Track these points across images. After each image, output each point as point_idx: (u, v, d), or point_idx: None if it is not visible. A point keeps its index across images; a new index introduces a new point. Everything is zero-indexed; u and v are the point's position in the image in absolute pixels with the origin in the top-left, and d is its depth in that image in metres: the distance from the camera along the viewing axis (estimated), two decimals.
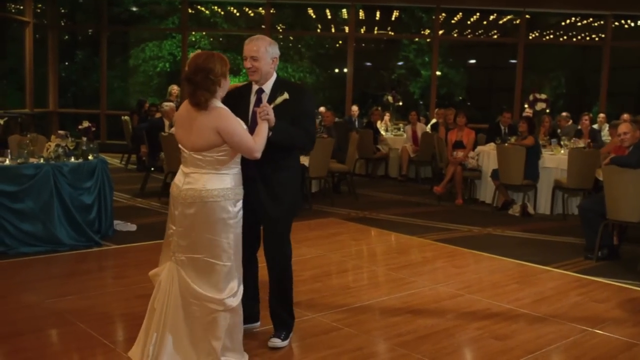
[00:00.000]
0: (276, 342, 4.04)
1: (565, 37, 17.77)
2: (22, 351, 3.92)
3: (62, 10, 17.40)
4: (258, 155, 3.57)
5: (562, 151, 9.45)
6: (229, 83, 3.63)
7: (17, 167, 6.27)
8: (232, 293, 3.57)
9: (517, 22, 16.20)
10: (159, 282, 3.66)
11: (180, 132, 3.60)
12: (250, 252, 4.06)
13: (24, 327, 4.30)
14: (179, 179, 3.62)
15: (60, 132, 6.97)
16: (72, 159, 6.64)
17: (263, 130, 3.62)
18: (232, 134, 3.45)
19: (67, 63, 18.32)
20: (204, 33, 18.34)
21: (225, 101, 3.89)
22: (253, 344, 4.05)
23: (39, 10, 15.35)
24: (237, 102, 3.96)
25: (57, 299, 4.87)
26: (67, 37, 18.60)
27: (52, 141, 6.66)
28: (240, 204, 3.63)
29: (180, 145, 3.64)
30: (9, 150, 6.61)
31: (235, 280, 3.60)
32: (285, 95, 3.79)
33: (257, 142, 3.55)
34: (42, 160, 6.46)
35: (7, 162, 6.36)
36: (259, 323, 4.33)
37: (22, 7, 14.25)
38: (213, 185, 3.51)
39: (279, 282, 4.08)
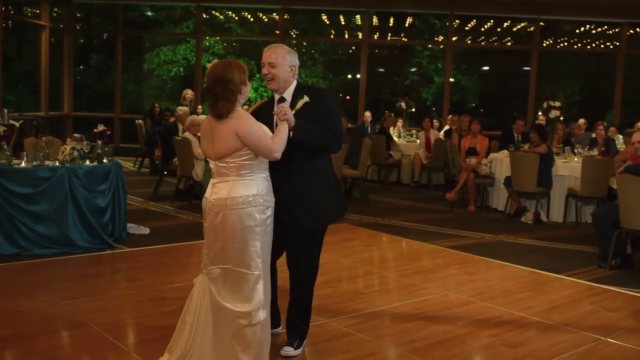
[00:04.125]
0: (289, 350, 4.02)
1: (579, 45, 17.70)
2: (36, 352, 3.95)
3: (78, 15, 17.55)
4: (278, 155, 3.53)
5: (576, 159, 9.41)
6: (250, 88, 3.63)
7: (33, 170, 6.32)
8: (261, 304, 3.51)
9: (531, 29, 16.17)
10: (191, 294, 3.62)
11: (205, 143, 3.60)
12: (272, 261, 4.05)
13: (38, 328, 4.33)
14: (208, 191, 3.61)
15: (76, 135, 7.03)
16: (87, 162, 6.69)
17: (283, 130, 3.60)
18: (250, 134, 3.43)
19: (82, 67, 18.47)
20: (218, 38, 18.43)
21: (254, 115, 3.95)
22: (273, 345, 4.05)
23: (55, 14, 15.49)
24: (263, 118, 3.88)
25: (71, 301, 4.90)
26: (82, 41, 18.75)
27: (68, 144, 6.71)
28: (270, 212, 3.58)
29: (207, 159, 3.65)
30: (24, 153, 6.68)
31: (262, 291, 3.54)
32: (306, 99, 3.79)
33: (275, 142, 3.52)
34: (57, 163, 6.51)
35: (23, 164, 6.43)
36: (279, 329, 4.28)
37: (38, 11, 14.39)
38: (237, 192, 3.47)
39: (301, 293, 4.04)
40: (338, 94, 19.65)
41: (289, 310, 4.10)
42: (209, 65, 3.65)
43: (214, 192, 3.53)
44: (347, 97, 18.89)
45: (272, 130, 3.76)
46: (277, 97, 3.97)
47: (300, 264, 3.99)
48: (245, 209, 3.47)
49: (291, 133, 3.67)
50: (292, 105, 3.84)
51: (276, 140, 3.54)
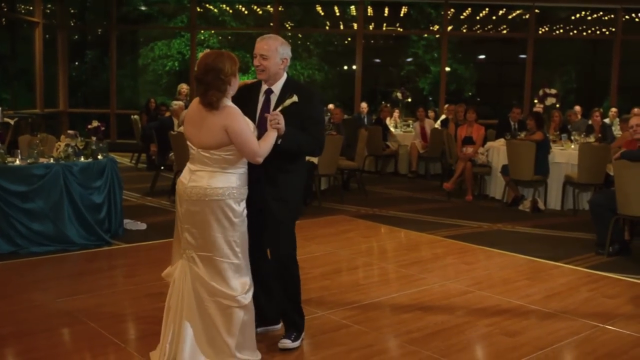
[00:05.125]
0: (287, 343, 4.02)
1: (575, 32, 17.67)
2: (34, 350, 3.94)
3: (72, 11, 17.47)
4: (260, 160, 3.56)
5: (573, 146, 9.40)
6: (239, 81, 3.63)
7: (27, 167, 6.30)
8: (245, 290, 3.59)
9: (527, 16, 16.12)
10: (173, 280, 3.68)
11: (190, 129, 3.60)
12: (262, 253, 4.05)
13: (35, 326, 4.32)
14: (185, 176, 3.63)
15: (70, 131, 7.00)
16: (82, 159, 6.66)
17: (271, 137, 3.63)
18: (239, 134, 3.45)
19: (77, 63, 18.40)
20: (212, 31, 18.37)
21: (234, 97, 3.89)
22: (263, 345, 4.05)
23: (48, 11, 15.43)
24: (246, 99, 3.95)
25: (68, 298, 4.89)
26: (76, 37, 18.67)
27: (62, 141, 6.68)
28: (244, 204, 3.64)
29: (188, 143, 3.64)
30: (19, 151, 6.65)
31: (246, 277, 3.63)
32: (295, 98, 3.78)
33: (261, 147, 3.55)
34: (52, 160, 6.48)
35: (18, 162, 6.40)
36: (280, 325, 4.27)
37: (31, 8, 14.32)
38: (218, 183, 3.52)
39: (286, 283, 4.04)
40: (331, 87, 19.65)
41: (280, 302, 4.11)
42: (200, 54, 3.64)
43: (193, 180, 3.55)
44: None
45: (253, 118, 3.84)
46: (264, 87, 3.96)
47: (279, 255, 4.00)
48: (225, 200, 3.52)
49: (279, 140, 3.69)
50: (280, 101, 3.83)
51: (262, 145, 3.56)
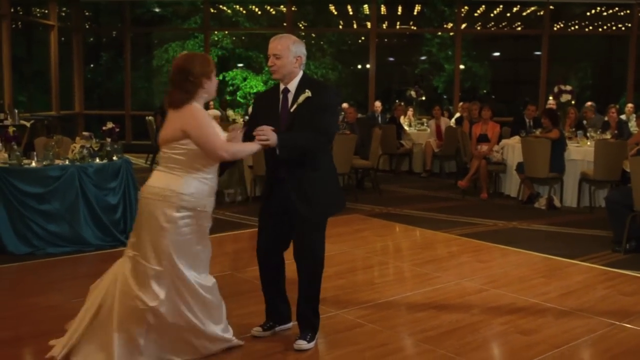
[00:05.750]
0: (302, 344, 4.01)
1: (590, 28, 17.52)
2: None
3: (86, 13, 17.60)
4: (224, 155, 3.48)
5: (589, 143, 9.32)
6: (216, 83, 3.61)
7: (43, 169, 6.35)
8: (158, 302, 3.49)
9: (541, 13, 16.02)
10: (109, 272, 3.74)
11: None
12: (277, 254, 4.06)
13: (51, 327, 4.34)
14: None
15: (85, 133, 7.06)
16: (97, 160, 6.71)
17: (250, 147, 3.62)
18: (197, 127, 3.41)
19: (92, 65, 18.53)
20: (225, 32, 18.41)
21: (255, 105, 3.98)
22: (278, 344, 4.06)
23: (63, 14, 15.55)
24: (267, 105, 3.97)
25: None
26: (91, 39, 18.81)
27: (77, 143, 6.74)
28: (186, 213, 3.48)
29: None
30: (35, 153, 6.71)
31: (162, 287, 3.50)
32: (308, 93, 3.79)
33: (231, 145, 3.51)
34: (67, 162, 6.53)
35: (34, 164, 6.45)
36: (291, 324, 4.27)
37: (46, 11, 14.43)
38: (156, 182, 3.48)
39: (309, 285, 4.02)
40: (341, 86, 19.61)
41: (299, 303, 4.09)
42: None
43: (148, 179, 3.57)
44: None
45: (274, 118, 3.81)
46: (282, 87, 3.95)
47: (304, 256, 3.98)
48: (155, 200, 3.44)
49: (277, 151, 3.66)
50: (296, 98, 3.83)
51: (234, 145, 3.54)
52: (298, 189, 3.86)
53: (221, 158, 3.50)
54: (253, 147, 3.60)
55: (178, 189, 3.44)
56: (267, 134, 3.60)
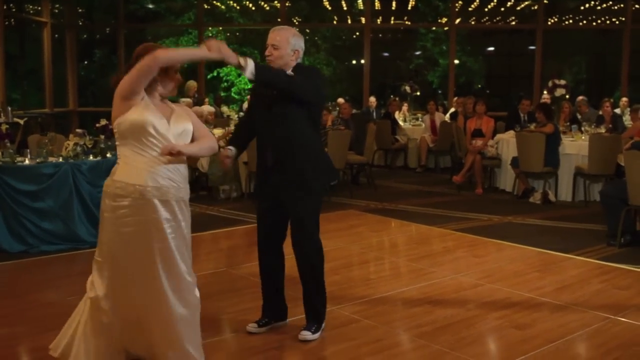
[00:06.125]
0: (306, 335, 4.04)
1: (584, 22, 17.54)
2: (45, 349, 3.94)
3: (80, 10, 17.52)
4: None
5: (583, 137, 9.33)
6: (175, 82, 3.57)
7: (37, 167, 6.34)
8: (90, 285, 3.35)
9: (535, 7, 16.00)
10: None
11: None
12: (275, 244, 4.08)
13: (47, 324, 4.33)
14: None
15: (78, 130, 7.04)
16: (91, 157, 6.69)
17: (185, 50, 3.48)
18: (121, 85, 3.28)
19: (85, 62, 18.48)
20: (220, 28, 18.38)
21: (252, 96, 4.14)
22: (276, 337, 4.06)
23: (56, 11, 15.47)
24: (260, 95, 4.01)
25: (79, 296, 4.82)
26: (85, 36, 18.76)
27: (71, 140, 6.72)
28: (123, 202, 3.23)
29: None
30: (28, 150, 6.70)
31: (96, 276, 3.32)
32: (290, 73, 3.84)
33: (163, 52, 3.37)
34: (61, 159, 6.52)
35: (27, 161, 6.44)
36: (287, 321, 4.29)
37: (39, 8, 14.35)
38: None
39: (310, 271, 4.05)
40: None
41: (304, 294, 4.12)
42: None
43: None
44: None
45: (267, 106, 3.87)
46: None
47: (300, 244, 4.00)
48: (101, 190, 3.34)
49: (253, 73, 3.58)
50: None
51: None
52: (284, 174, 3.90)
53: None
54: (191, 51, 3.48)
55: (116, 177, 3.37)
56: (221, 47, 3.50)
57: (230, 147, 4.06)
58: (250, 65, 3.53)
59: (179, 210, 3.27)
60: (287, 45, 3.85)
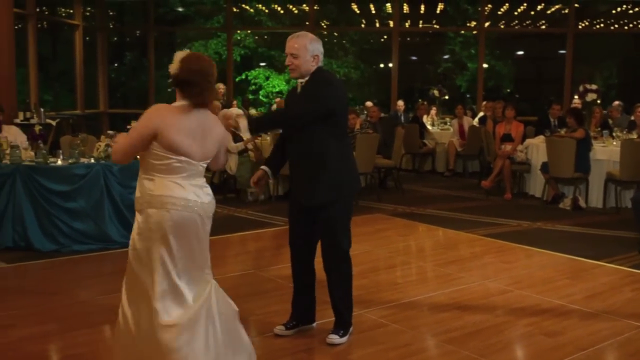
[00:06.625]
0: (334, 338, 4.05)
1: (616, 26, 17.29)
2: (76, 346, 4.02)
3: (111, 13, 17.74)
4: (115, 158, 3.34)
5: (614, 143, 9.21)
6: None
7: (69, 167, 6.43)
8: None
9: (566, 11, 15.84)
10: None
11: (189, 141, 3.12)
12: (306, 249, 4.10)
13: (78, 322, 4.40)
14: (194, 193, 3.16)
15: (110, 132, 7.12)
16: None
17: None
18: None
19: (116, 64, 18.69)
20: (248, 31, 18.47)
21: (285, 103, 4.20)
22: (302, 340, 4.07)
23: (88, 14, 15.69)
24: (290, 102, 4.13)
25: (109, 296, 4.96)
26: (115, 39, 18.97)
27: (102, 141, 6.80)
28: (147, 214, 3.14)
29: (183, 157, 3.12)
30: (60, 151, 6.79)
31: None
32: (303, 82, 3.93)
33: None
34: (92, 160, 6.60)
35: (59, 162, 6.54)
36: (314, 324, 4.31)
37: (71, 11, 14.57)
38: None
39: (338, 277, 4.07)
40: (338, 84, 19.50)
41: (331, 299, 4.13)
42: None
43: (207, 194, 3.22)
44: None
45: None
46: (299, 86, 4.03)
47: (329, 251, 4.02)
48: (133, 191, 3.36)
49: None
50: None
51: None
52: (307, 179, 3.94)
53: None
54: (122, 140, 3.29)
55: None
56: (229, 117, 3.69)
57: (265, 167, 4.14)
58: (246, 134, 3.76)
59: None
60: (306, 52, 3.88)
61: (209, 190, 3.23)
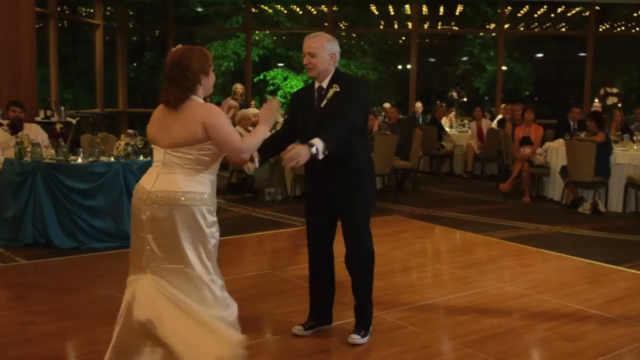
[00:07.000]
0: (355, 338, 4.07)
1: (637, 29, 17.12)
2: (95, 344, 4.04)
3: (131, 13, 17.85)
4: (244, 156, 3.29)
5: (635, 147, 9.12)
6: (213, 79, 3.34)
7: (89, 166, 6.48)
8: (224, 305, 3.20)
9: (587, 13, 15.72)
10: (133, 294, 3.29)
11: (156, 128, 3.26)
12: (324, 248, 4.11)
13: (97, 320, 4.42)
14: (146, 180, 3.22)
15: (130, 131, 7.16)
16: (141, 157, 6.81)
17: (259, 132, 3.35)
18: (219, 129, 3.13)
19: (135, 64, 18.79)
20: (267, 32, 18.50)
21: (292, 104, 4.10)
22: (322, 340, 4.07)
23: (108, 13, 15.80)
24: (303, 104, 4.09)
25: None
26: (135, 38, 19.07)
27: (122, 140, 6.84)
28: (215, 216, 3.24)
29: (152, 145, 3.32)
30: (81, 149, 6.85)
31: (221, 294, 3.21)
32: (336, 88, 3.88)
33: (246, 142, 3.23)
34: (112, 159, 6.65)
35: (79, 160, 6.59)
36: (332, 325, 4.31)
37: (92, 11, 14.68)
38: (191, 187, 3.14)
39: (361, 278, 4.09)
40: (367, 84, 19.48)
41: (355, 298, 4.15)
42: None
43: (158, 184, 3.15)
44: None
45: (310, 117, 3.91)
46: (316, 85, 4.03)
47: (354, 253, 4.04)
48: (198, 206, 3.13)
49: (320, 156, 3.61)
50: (325, 94, 3.93)
51: (247, 141, 3.25)
52: (337, 182, 3.95)
53: (242, 160, 3.35)
54: (260, 134, 3.34)
55: (208, 191, 3.19)
56: (298, 159, 3.52)
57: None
58: (320, 147, 3.58)
59: None
60: (323, 50, 3.92)
61: (164, 180, 3.15)
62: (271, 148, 4.16)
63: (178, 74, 3.17)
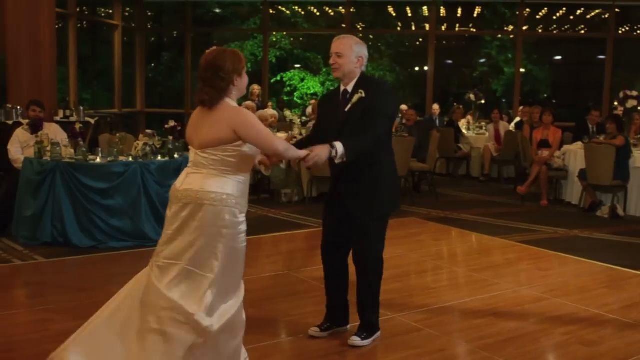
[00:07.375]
0: (355, 340, 4.06)
1: None
2: None
3: (149, 14, 17.97)
4: (283, 154, 3.38)
5: None
6: (246, 80, 3.37)
7: (107, 165, 6.53)
8: (206, 311, 3.17)
9: (606, 16, 15.60)
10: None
11: (190, 131, 3.33)
12: (339, 251, 4.11)
13: None
14: (179, 179, 3.32)
15: (148, 131, 7.21)
16: (159, 158, 6.85)
17: (295, 151, 3.49)
18: (250, 126, 3.18)
19: (153, 64, 18.91)
20: (284, 33, 18.55)
21: (319, 110, 4.15)
22: (335, 342, 4.08)
23: (127, 14, 15.91)
24: (329, 108, 4.10)
25: None
26: (153, 39, 19.19)
27: (140, 140, 6.89)
28: (242, 217, 3.26)
29: (189, 147, 3.38)
30: (99, 149, 6.90)
31: (211, 297, 3.19)
32: (361, 94, 3.87)
33: (281, 143, 3.35)
34: (130, 159, 6.70)
35: (98, 160, 6.65)
36: (348, 327, 4.31)
37: (111, 12, 14.80)
38: (211, 187, 3.18)
39: (366, 285, 4.08)
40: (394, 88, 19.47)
41: (358, 302, 4.14)
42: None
43: (186, 182, 3.24)
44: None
45: (335, 120, 3.92)
46: (342, 88, 4.04)
47: (362, 255, 4.04)
48: (216, 206, 3.16)
49: (336, 160, 3.66)
50: (350, 99, 3.92)
51: (283, 144, 3.38)
52: (353, 187, 3.94)
53: (277, 151, 3.34)
54: (299, 153, 3.47)
55: (232, 192, 3.21)
56: (317, 155, 3.54)
57: None
58: (339, 151, 3.61)
59: None
60: (351, 52, 3.92)
61: (192, 179, 3.23)
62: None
63: (212, 74, 3.23)
